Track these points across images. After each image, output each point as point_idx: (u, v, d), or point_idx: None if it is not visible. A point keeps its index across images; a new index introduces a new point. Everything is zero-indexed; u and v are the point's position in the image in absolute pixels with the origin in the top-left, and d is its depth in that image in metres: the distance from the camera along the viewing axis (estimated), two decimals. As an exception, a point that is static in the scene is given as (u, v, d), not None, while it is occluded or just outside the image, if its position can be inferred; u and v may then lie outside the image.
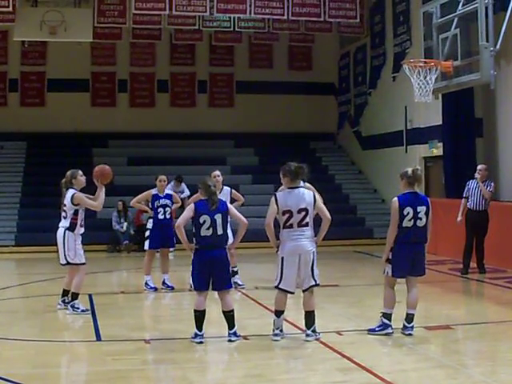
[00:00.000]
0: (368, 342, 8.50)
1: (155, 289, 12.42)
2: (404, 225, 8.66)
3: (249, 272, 14.12)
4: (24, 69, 24.03)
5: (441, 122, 17.73)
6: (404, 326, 8.71)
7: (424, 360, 7.79)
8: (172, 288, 12.49)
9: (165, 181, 12.75)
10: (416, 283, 8.86)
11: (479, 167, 14.23)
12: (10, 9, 18.18)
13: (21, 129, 23.22)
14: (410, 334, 8.62)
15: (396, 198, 8.78)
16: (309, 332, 8.47)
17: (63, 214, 10.32)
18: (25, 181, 21.58)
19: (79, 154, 21.84)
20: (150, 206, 12.62)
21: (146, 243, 12.68)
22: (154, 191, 12.56)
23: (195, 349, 8.24)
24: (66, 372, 7.76)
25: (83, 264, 10.38)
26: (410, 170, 8.79)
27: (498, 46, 13.13)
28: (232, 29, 21.01)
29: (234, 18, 20.44)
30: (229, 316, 8.52)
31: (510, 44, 14.50)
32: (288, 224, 8.40)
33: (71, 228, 10.22)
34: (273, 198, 8.50)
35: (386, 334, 8.64)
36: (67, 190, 10.34)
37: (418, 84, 13.85)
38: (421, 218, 8.69)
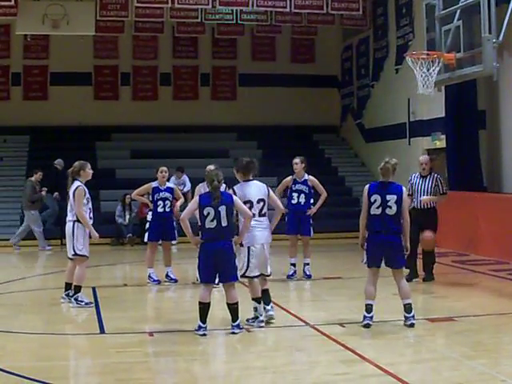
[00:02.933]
0: (371, 333, 8.52)
1: (158, 282, 12.44)
2: (372, 212, 8.72)
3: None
4: (26, 62, 23.99)
5: (444, 114, 17.70)
6: (405, 317, 8.72)
7: (427, 352, 7.82)
8: (175, 281, 12.51)
9: (166, 172, 12.74)
10: (400, 274, 8.87)
11: (422, 159, 12.35)
12: (13, 2, 18.19)
13: (24, 123, 23.18)
14: (412, 324, 8.64)
15: (367, 185, 8.85)
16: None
17: (69, 207, 10.35)
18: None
19: (82, 147, 21.81)
20: (150, 199, 12.64)
21: (146, 235, 12.72)
22: (154, 184, 12.57)
23: (198, 341, 8.26)
24: (69, 365, 7.79)
25: (86, 257, 10.42)
26: (381, 163, 8.83)
27: (500, 38, 13.10)
28: (234, 21, 20.95)
29: (236, 10, 20.40)
30: (233, 308, 8.54)
31: (513, 36, 14.47)
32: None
33: (79, 220, 10.27)
34: (230, 191, 8.82)
35: (364, 326, 8.62)
36: (73, 180, 10.36)
37: (421, 76, 13.81)
38: (390, 207, 8.69)
